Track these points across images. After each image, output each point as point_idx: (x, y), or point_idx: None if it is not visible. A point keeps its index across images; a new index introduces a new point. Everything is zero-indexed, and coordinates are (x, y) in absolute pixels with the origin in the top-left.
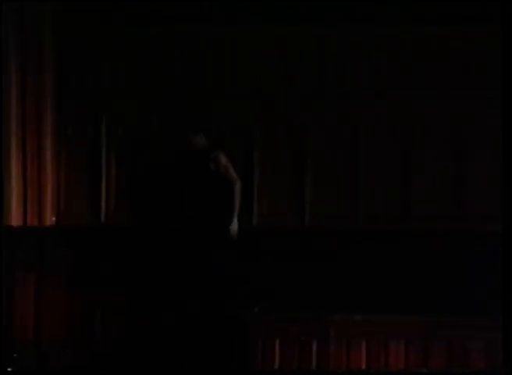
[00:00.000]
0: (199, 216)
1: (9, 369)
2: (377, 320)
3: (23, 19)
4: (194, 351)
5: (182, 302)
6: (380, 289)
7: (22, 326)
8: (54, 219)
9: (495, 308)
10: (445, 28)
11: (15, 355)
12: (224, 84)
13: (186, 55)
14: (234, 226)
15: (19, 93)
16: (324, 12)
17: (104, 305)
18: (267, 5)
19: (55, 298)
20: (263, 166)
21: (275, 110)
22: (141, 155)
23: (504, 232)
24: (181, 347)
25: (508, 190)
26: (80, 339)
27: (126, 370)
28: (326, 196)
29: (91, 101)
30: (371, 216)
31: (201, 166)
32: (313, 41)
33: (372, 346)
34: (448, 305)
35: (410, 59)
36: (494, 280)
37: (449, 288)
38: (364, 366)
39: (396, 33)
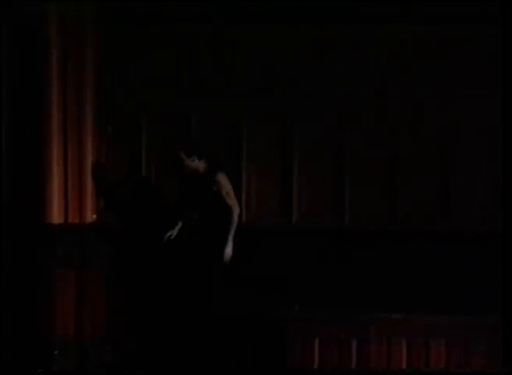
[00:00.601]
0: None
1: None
2: (417, 320)
3: (65, 18)
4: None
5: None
6: (420, 288)
7: (62, 323)
8: (94, 216)
9: None
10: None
11: (56, 352)
12: (264, 85)
13: (227, 57)
14: (229, 249)
15: (60, 92)
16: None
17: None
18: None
19: (96, 296)
20: (302, 166)
21: (313, 111)
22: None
23: None
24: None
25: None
26: (120, 337)
27: (164, 369)
28: (365, 196)
29: (131, 100)
30: (409, 216)
31: (204, 188)
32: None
33: (413, 345)
34: (489, 305)
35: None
36: None
37: (490, 288)
38: (404, 366)
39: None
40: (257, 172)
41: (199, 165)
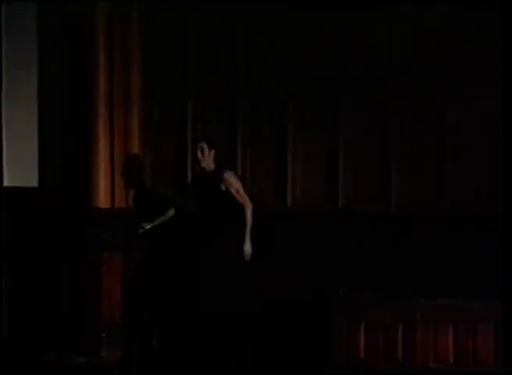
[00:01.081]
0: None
1: None
2: (464, 305)
3: (112, 5)
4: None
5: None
6: (467, 274)
7: (109, 306)
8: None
9: None
10: None
11: (104, 335)
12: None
13: (272, 43)
14: (248, 246)
15: (107, 77)
16: None
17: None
18: None
19: None
20: (348, 152)
21: (360, 97)
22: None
23: None
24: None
25: None
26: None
27: (209, 351)
28: (412, 183)
29: (178, 85)
30: (457, 203)
31: (213, 188)
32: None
33: (459, 331)
34: None
35: None
36: None
37: None
38: (451, 351)
39: None
40: (303, 158)
41: (211, 161)
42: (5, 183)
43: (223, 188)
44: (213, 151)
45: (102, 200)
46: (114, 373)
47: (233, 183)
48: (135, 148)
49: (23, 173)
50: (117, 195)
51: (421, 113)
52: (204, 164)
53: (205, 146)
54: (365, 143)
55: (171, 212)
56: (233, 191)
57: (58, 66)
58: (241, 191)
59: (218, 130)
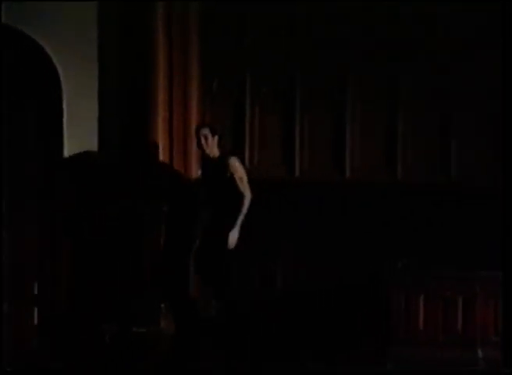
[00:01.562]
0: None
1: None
2: None
3: None
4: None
5: None
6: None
7: None
8: (200, 171)
9: None
10: None
11: (162, 305)
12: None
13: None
14: (234, 234)
15: (166, 49)
16: None
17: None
18: None
19: None
20: (408, 124)
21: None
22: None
23: None
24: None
25: None
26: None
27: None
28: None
29: (235, 57)
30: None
31: (218, 173)
32: None
33: None
34: None
35: None
36: None
37: None
38: None
39: None
40: (361, 130)
41: (215, 148)
42: (66, 155)
43: (228, 174)
44: (216, 136)
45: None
46: (172, 343)
47: (238, 169)
48: (193, 121)
49: (83, 146)
50: (175, 164)
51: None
52: (208, 151)
53: (208, 132)
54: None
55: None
56: (237, 178)
57: (118, 39)
58: (244, 178)
59: (276, 102)
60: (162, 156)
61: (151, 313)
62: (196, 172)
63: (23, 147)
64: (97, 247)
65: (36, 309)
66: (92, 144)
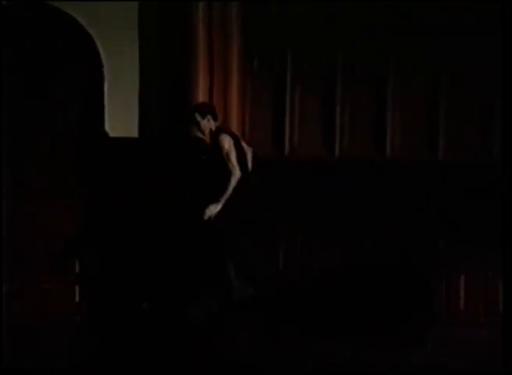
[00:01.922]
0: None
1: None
2: None
3: None
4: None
5: None
6: None
7: None
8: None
9: None
10: None
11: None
12: None
13: None
14: (213, 208)
15: (206, 29)
16: None
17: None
18: None
19: None
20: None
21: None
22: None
23: None
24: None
25: None
26: (264, 271)
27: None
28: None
29: (276, 35)
30: None
31: (210, 152)
32: None
33: None
34: None
35: None
36: None
37: None
38: None
39: None
40: (402, 110)
41: (209, 126)
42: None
43: (217, 152)
44: (208, 116)
45: None
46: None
47: (225, 145)
48: (234, 101)
49: (123, 124)
50: None
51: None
52: (206, 132)
53: (197, 115)
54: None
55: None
56: (224, 155)
57: (158, 19)
58: (232, 157)
59: (317, 82)
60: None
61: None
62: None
63: (66, 125)
64: (139, 223)
65: (77, 287)
66: (133, 127)
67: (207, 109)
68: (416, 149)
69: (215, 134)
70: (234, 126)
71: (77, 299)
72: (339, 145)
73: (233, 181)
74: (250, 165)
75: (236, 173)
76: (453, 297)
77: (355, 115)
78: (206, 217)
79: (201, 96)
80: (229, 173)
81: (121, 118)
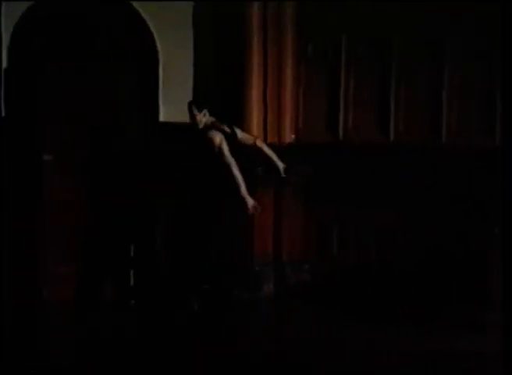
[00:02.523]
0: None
1: None
2: None
3: None
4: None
5: None
6: None
7: (262, 241)
8: (293, 136)
9: None
10: None
11: (256, 268)
12: None
13: None
14: (249, 201)
15: (260, 15)
16: None
17: (341, 222)
18: None
19: (293, 215)
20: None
21: None
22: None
23: None
24: None
25: None
26: (316, 255)
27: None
28: None
29: (330, 20)
30: None
31: (200, 146)
32: None
33: None
34: None
35: None
36: None
37: None
38: None
39: None
40: (459, 93)
41: (205, 120)
42: (161, 119)
43: (209, 148)
44: (205, 110)
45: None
46: (267, 307)
47: (215, 142)
48: (288, 85)
49: (177, 109)
50: (269, 131)
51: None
52: (201, 126)
53: (193, 108)
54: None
55: None
56: (216, 151)
57: (212, 6)
58: (225, 151)
59: (372, 66)
60: (256, 122)
61: (245, 277)
62: (289, 138)
63: (123, 110)
64: (194, 210)
65: (132, 271)
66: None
67: (204, 104)
68: (472, 134)
69: (204, 131)
70: (288, 112)
71: (132, 283)
72: (394, 130)
73: (236, 171)
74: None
75: (233, 163)
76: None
77: (411, 99)
78: (253, 211)
79: (255, 82)
80: (227, 167)
81: (176, 105)
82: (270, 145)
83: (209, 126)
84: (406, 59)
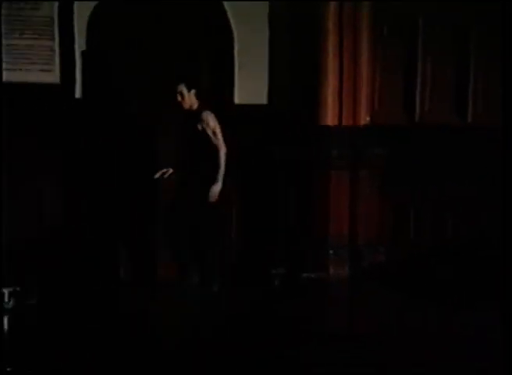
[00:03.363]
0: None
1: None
2: None
3: None
4: None
5: None
6: None
7: (336, 223)
8: (368, 118)
9: None
10: None
11: (331, 251)
12: None
13: None
14: (216, 187)
15: None
16: None
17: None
18: None
19: (368, 197)
20: None
21: None
22: None
23: None
24: None
25: None
26: (392, 239)
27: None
28: None
29: (407, 1)
30: None
31: (190, 126)
32: None
33: None
34: None
35: None
36: None
37: None
38: None
39: None
40: None
41: (194, 101)
42: (236, 101)
43: (200, 128)
44: (193, 90)
45: (330, 117)
46: (342, 290)
47: (210, 122)
48: (363, 66)
49: (253, 91)
50: (345, 113)
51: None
52: (187, 106)
53: (183, 88)
54: None
55: None
56: (209, 132)
57: None
58: (217, 132)
59: (448, 47)
60: (331, 105)
61: (321, 259)
62: (364, 120)
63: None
64: (267, 190)
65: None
66: (261, 95)
67: (194, 83)
68: None
69: (198, 112)
70: (363, 94)
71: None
72: (472, 111)
73: (223, 157)
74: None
75: (223, 149)
76: None
77: (489, 81)
78: (212, 199)
79: (330, 64)
80: (216, 150)
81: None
82: (345, 127)
83: (200, 109)
84: (484, 42)
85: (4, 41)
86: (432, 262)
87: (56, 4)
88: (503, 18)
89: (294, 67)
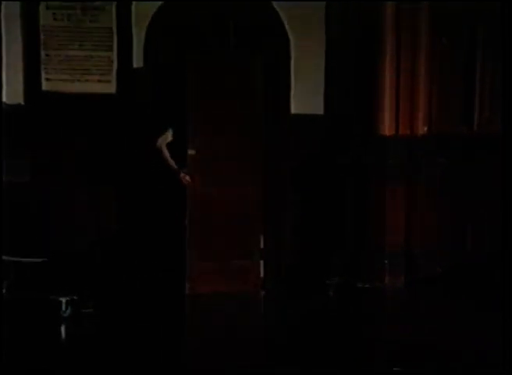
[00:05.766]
0: None
1: None
2: None
3: None
4: None
5: None
6: None
7: (392, 233)
8: (426, 128)
9: None
10: None
11: (386, 261)
12: None
13: None
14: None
15: (393, 5)
16: None
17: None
18: None
19: (424, 206)
20: None
21: None
22: None
23: None
24: None
25: None
26: (450, 250)
27: None
28: None
29: (467, 12)
30: None
31: None
32: None
33: None
34: None
35: None
36: None
37: None
38: None
39: None
40: None
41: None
42: (293, 111)
43: None
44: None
45: (387, 127)
46: (397, 300)
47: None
48: (421, 76)
49: (309, 101)
50: (401, 122)
51: None
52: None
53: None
54: None
55: None
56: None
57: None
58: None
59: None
60: (389, 114)
61: (376, 269)
62: (422, 130)
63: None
64: (323, 199)
65: (262, 262)
66: (318, 104)
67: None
68: None
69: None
70: (421, 104)
71: (262, 274)
72: None
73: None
74: None
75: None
76: None
77: None
78: (185, 182)
79: (388, 74)
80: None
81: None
82: (403, 137)
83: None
84: None
85: (63, 52)
86: (489, 271)
87: (114, 15)
88: None
89: (351, 77)
